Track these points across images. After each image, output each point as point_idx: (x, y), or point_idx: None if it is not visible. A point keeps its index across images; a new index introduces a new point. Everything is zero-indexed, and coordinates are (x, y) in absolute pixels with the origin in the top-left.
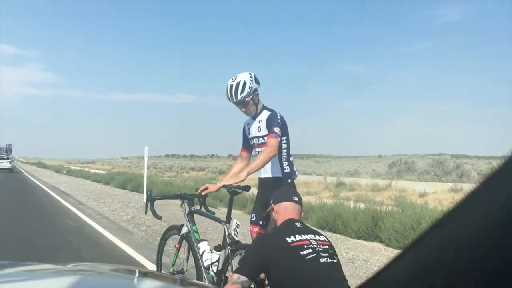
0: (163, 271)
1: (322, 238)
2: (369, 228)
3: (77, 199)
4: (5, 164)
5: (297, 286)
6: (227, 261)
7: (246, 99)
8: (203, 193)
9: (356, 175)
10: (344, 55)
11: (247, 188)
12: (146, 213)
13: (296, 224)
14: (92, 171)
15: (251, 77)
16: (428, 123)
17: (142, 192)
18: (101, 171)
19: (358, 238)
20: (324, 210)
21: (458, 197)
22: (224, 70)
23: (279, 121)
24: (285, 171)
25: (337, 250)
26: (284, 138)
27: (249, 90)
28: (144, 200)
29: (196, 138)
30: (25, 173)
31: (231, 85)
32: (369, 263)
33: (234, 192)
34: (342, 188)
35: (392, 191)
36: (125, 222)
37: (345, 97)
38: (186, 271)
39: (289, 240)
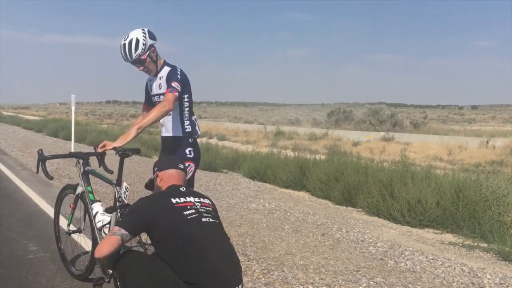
0: (60, 230)
1: (206, 201)
2: (297, 178)
3: (0, 149)
4: None
5: (179, 244)
6: None
7: (142, 57)
8: (100, 151)
9: (297, 124)
10: (291, 2)
11: (137, 151)
12: (37, 172)
13: (181, 189)
14: (26, 117)
15: (144, 33)
16: (370, 72)
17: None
18: (35, 118)
19: (286, 187)
20: (255, 160)
21: (389, 146)
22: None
23: (179, 77)
24: (186, 130)
25: (262, 200)
26: (185, 95)
27: (143, 47)
28: (71, 149)
29: (139, 84)
30: None
31: (124, 44)
32: (288, 213)
33: (124, 154)
34: (280, 137)
35: (328, 140)
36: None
37: (292, 46)
38: (84, 230)
39: (173, 200)
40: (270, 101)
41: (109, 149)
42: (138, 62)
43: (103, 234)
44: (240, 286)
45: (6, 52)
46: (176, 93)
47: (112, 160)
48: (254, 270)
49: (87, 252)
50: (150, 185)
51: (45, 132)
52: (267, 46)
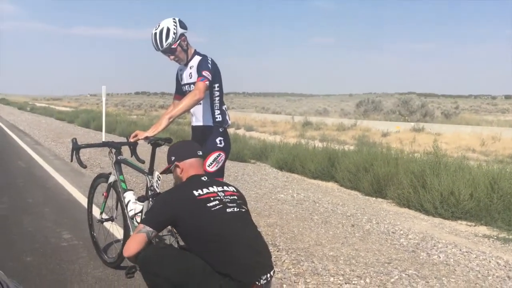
0: (93, 219)
1: (231, 189)
2: (325, 168)
3: (34, 139)
4: None
5: (205, 237)
6: None
7: (173, 46)
8: (132, 140)
9: (324, 114)
10: None
11: (169, 140)
12: (71, 160)
13: (202, 178)
14: (58, 108)
15: (175, 22)
16: (400, 61)
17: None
18: (67, 109)
19: (315, 178)
20: (283, 150)
21: (419, 136)
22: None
23: (210, 66)
24: (217, 119)
25: (290, 191)
26: (216, 85)
27: (174, 36)
28: (102, 139)
29: (167, 75)
30: None
31: (155, 33)
32: (317, 204)
33: (156, 144)
34: (308, 127)
35: (356, 130)
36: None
37: (319, 35)
38: (116, 218)
39: (196, 193)
40: (297, 91)
41: (141, 139)
42: (169, 51)
43: (135, 222)
44: (271, 273)
45: (39, 45)
46: (207, 82)
47: (142, 150)
48: (284, 261)
49: (119, 240)
50: (166, 172)
51: (77, 122)
52: (294, 35)
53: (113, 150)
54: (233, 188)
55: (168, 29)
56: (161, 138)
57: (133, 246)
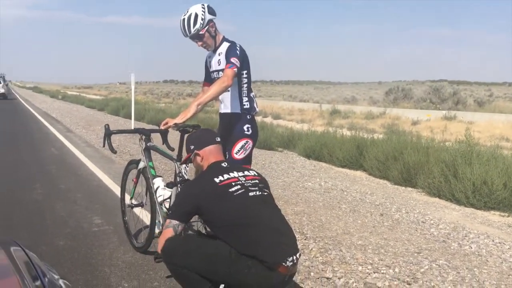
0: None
1: (252, 173)
2: (354, 157)
3: (66, 126)
4: None
5: (229, 222)
6: None
7: (201, 32)
8: (163, 128)
9: (353, 102)
10: None
11: (197, 127)
12: (103, 146)
13: (223, 164)
14: (88, 96)
15: (203, 8)
16: (431, 48)
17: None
18: (97, 97)
19: (343, 166)
20: (311, 139)
21: (451, 125)
22: None
23: (238, 52)
24: (245, 107)
25: (317, 179)
26: (244, 72)
27: (201, 22)
28: (132, 126)
29: (195, 64)
30: (19, 98)
31: (183, 19)
32: (345, 193)
33: (184, 130)
34: (336, 115)
35: (385, 118)
36: (109, 150)
37: (346, 22)
38: (145, 204)
39: (217, 180)
40: (325, 79)
41: (171, 126)
42: (196, 37)
43: (163, 208)
44: (297, 255)
45: (69, 34)
46: (235, 69)
47: (171, 138)
48: (311, 249)
49: (148, 226)
50: (187, 161)
51: (107, 110)
52: (322, 22)
53: (143, 137)
54: (254, 172)
55: (196, 15)
56: (189, 125)
57: (162, 243)
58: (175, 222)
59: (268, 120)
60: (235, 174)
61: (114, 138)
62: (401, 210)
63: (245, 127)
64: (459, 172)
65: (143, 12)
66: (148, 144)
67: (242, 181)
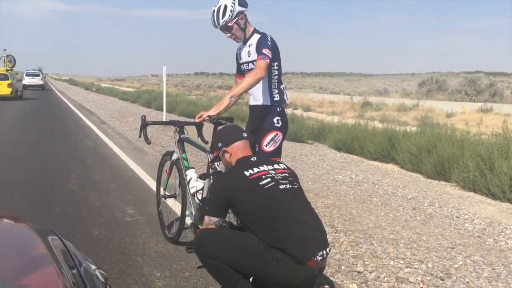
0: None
1: (281, 166)
2: (385, 150)
3: (100, 118)
4: (37, 81)
5: (259, 215)
6: None
7: (229, 24)
8: (197, 120)
9: (385, 94)
10: None
11: (230, 119)
12: (140, 136)
13: (252, 159)
14: (122, 89)
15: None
16: (465, 39)
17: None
18: (130, 89)
19: (374, 159)
20: (342, 131)
21: (487, 117)
22: None
23: (269, 43)
24: (275, 99)
25: (348, 172)
26: (275, 63)
27: (230, 14)
28: (163, 119)
29: (226, 56)
30: (55, 90)
31: (213, 10)
32: (376, 186)
33: (218, 123)
34: (367, 108)
35: (418, 111)
36: (141, 142)
37: (380, 12)
38: (178, 195)
39: (247, 173)
40: (356, 71)
41: (205, 118)
42: (225, 28)
43: (196, 199)
44: (327, 250)
45: (103, 28)
46: (268, 60)
47: (204, 130)
48: (342, 242)
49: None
50: (216, 159)
51: (139, 102)
52: (354, 13)
53: (177, 129)
54: (284, 166)
55: (226, 7)
56: (222, 117)
57: None
58: (214, 219)
59: (298, 112)
60: (265, 167)
61: (147, 129)
62: (434, 204)
63: (275, 120)
64: (495, 166)
65: (176, 4)
66: (181, 136)
67: (272, 174)
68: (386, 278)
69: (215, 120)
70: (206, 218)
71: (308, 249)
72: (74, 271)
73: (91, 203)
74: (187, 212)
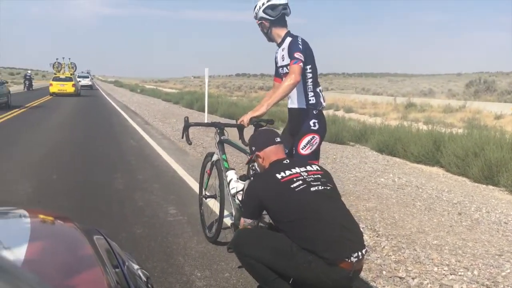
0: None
1: (314, 168)
2: (430, 152)
3: (144, 119)
4: (87, 82)
5: (291, 217)
6: None
7: (256, 22)
8: (239, 123)
9: (430, 95)
10: None
11: (271, 121)
12: (182, 137)
13: (284, 162)
14: (165, 90)
15: (263, 5)
16: None
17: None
18: (173, 90)
19: (418, 162)
20: (384, 133)
21: None
22: None
23: (300, 46)
24: (310, 102)
25: (391, 175)
26: (308, 66)
27: (254, 15)
28: (206, 121)
29: (266, 57)
30: (101, 91)
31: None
32: (420, 190)
33: (258, 125)
34: (411, 109)
35: (465, 112)
36: (183, 142)
37: (422, 11)
38: (219, 196)
39: (279, 176)
40: (400, 71)
41: (246, 121)
42: (258, 24)
43: (236, 200)
44: (363, 251)
45: (148, 30)
46: (301, 63)
47: (245, 132)
48: (384, 247)
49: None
50: (250, 162)
51: (182, 104)
52: (397, 12)
53: (218, 130)
54: (317, 167)
55: (255, 6)
56: (263, 119)
57: None
58: (249, 220)
59: (340, 113)
60: (297, 169)
61: (189, 131)
62: (481, 210)
63: (311, 123)
64: None
65: (216, 6)
66: (221, 138)
67: (304, 176)
68: (429, 285)
69: (256, 122)
70: (242, 220)
71: (340, 250)
72: (118, 270)
73: (135, 203)
74: (227, 213)
